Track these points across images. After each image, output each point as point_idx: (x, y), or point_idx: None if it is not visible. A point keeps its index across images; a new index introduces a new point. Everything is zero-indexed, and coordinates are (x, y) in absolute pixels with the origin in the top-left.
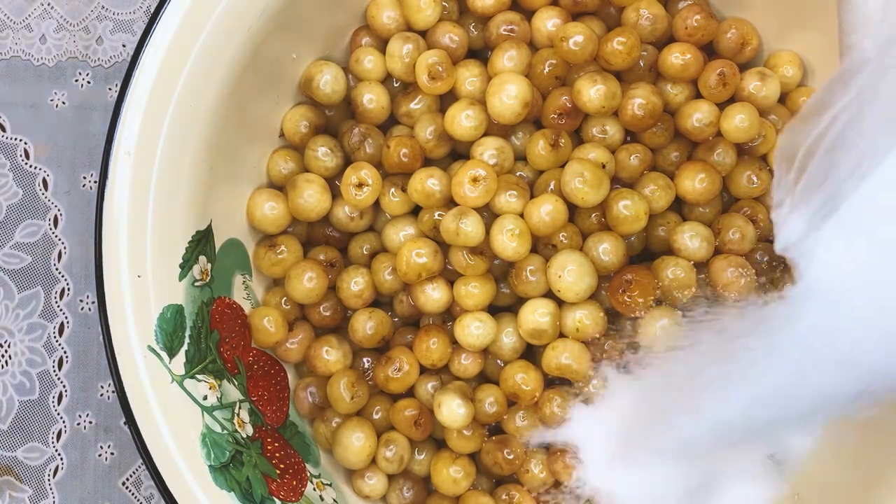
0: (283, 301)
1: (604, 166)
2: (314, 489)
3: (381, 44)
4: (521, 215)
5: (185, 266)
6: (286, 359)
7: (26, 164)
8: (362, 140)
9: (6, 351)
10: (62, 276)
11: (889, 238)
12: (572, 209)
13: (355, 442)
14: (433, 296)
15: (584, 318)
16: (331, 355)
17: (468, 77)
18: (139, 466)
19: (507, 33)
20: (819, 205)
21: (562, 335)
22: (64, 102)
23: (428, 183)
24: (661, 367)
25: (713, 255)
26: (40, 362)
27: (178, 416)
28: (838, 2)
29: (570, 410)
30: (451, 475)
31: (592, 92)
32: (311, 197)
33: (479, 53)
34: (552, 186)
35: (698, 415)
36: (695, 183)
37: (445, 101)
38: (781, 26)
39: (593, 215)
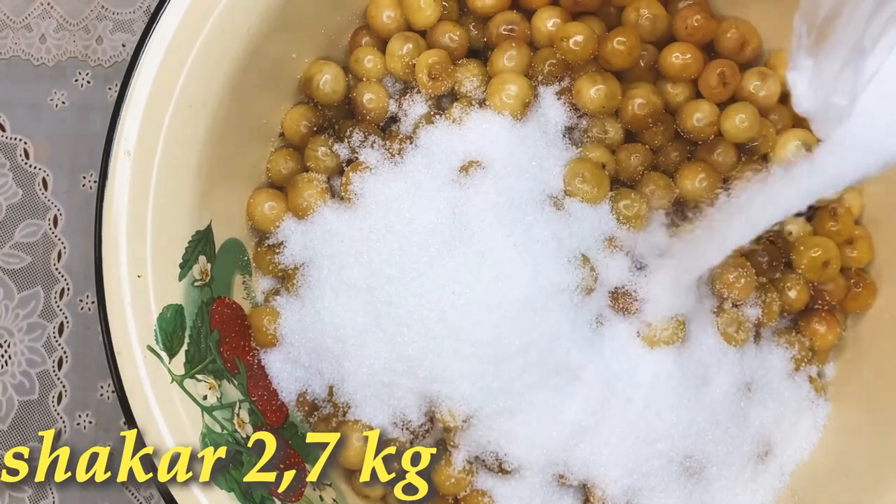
0: None
1: (604, 166)
2: (314, 489)
3: (381, 44)
4: None
5: (185, 266)
6: None
7: (26, 163)
8: (363, 140)
9: (6, 351)
10: (62, 276)
11: None
12: None
13: (355, 442)
14: None
15: None
16: None
17: (468, 77)
18: None
19: (507, 33)
20: (843, 64)
21: None
22: (64, 102)
23: None
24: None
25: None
26: (40, 362)
27: (178, 416)
28: None
29: None
30: (451, 475)
31: (592, 92)
32: (311, 197)
33: (479, 53)
34: None
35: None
36: (695, 183)
37: (445, 100)
38: (781, 26)
39: None
